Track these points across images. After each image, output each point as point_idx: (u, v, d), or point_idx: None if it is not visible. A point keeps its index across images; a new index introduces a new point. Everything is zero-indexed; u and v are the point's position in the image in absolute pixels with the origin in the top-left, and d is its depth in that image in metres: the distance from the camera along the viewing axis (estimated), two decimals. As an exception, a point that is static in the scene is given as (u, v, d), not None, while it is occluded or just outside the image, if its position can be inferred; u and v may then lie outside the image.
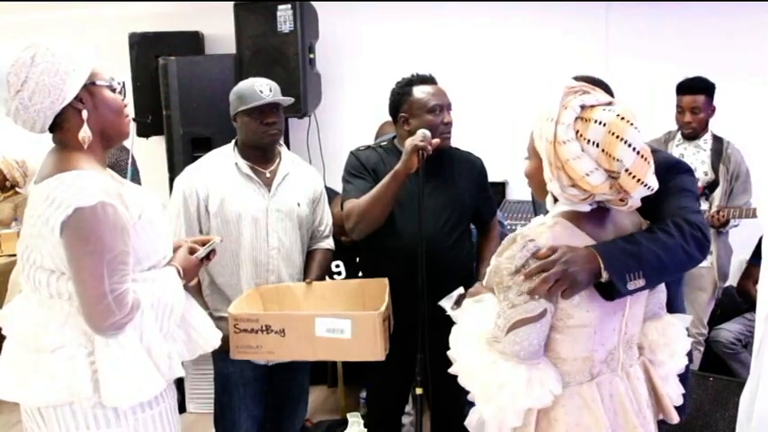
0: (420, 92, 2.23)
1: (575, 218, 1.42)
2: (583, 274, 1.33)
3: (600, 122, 1.31)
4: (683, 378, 1.64)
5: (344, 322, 1.90)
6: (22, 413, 1.56)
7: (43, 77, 1.43)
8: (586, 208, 1.40)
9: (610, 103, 1.37)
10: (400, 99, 2.26)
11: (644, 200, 1.42)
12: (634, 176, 1.31)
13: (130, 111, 1.60)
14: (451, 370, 1.54)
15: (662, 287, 1.59)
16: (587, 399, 1.41)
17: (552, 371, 1.40)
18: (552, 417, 1.40)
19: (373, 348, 1.91)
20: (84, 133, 1.47)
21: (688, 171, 1.68)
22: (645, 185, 1.33)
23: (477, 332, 1.48)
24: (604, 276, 1.34)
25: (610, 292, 1.36)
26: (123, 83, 1.59)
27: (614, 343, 1.46)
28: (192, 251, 1.70)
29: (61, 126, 1.50)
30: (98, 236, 1.38)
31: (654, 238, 1.44)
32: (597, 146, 1.31)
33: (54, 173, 1.44)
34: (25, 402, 1.52)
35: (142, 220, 1.50)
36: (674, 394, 1.59)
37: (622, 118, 1.31)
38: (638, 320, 1.53)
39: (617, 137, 1.30)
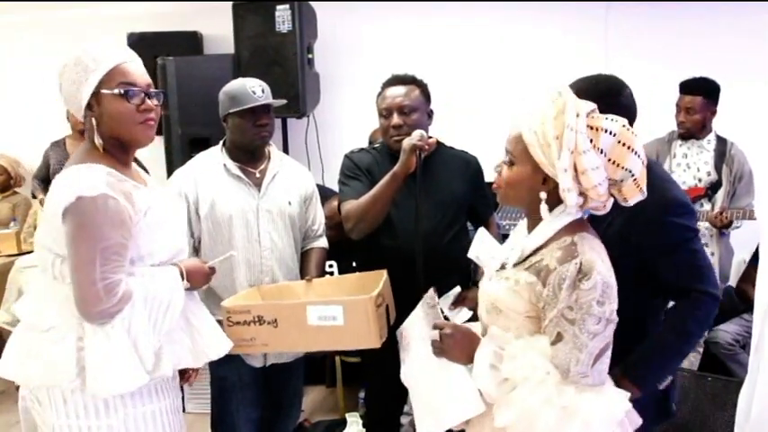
0: (382, 94, 2.30)
1: (583, 228, 1.40)
2: None
3: (610, 132, 1.30)
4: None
5: (336, 309, 1.85)
6: (24, 394, 1.59)
7: (67, 86, 1.54)
8: (583, 215, 1.41)
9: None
10: (377, 100, 2.33)
11: (649, 240, 1.54)
12: (638, 185, 1.34)
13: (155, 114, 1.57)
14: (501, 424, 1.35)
15: None
16: None
17: None
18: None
19: (367, 334, 1.85)
20: (98, 140, 1.54)
21: (690, 213, 1.66)
22: (642, 192, 1.37)
23: (529, 382, 1.32)
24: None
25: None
26: (145, 88, 1.55)
27: None
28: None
29: (85, 127, 1.58)
30: (95, 225, 1.43)
31: (665, 350, 1.63)
32: (605, 155, 1.31)
33: (72, 164, 1.54)
34: (21, 383, 1.57)
35: (147, 217, 1.54)
36: None
37: (627, 128, 1.32)
38: None
39: (628, 147, 1.31)
